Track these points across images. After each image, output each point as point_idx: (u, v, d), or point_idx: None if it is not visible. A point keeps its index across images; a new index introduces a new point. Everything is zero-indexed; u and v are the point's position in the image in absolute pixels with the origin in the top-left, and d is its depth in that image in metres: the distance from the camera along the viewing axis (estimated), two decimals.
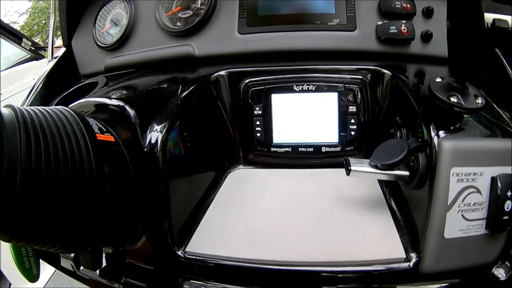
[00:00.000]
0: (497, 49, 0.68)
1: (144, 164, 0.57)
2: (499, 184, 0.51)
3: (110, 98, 0.65)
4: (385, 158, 0.59)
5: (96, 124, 0.51)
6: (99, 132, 0.49)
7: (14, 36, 2.10)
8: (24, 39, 2.15)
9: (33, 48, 2.22)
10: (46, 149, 0.39)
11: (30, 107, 0.43)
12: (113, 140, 0.52)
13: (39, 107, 0.44)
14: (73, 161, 0.42)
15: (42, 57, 2.28)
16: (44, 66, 1.02)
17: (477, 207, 0.52)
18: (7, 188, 0.35)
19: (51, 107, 0.46)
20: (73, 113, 0.47)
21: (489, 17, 0.70)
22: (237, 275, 0.59)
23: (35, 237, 0.41)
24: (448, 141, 0.52)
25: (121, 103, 0.62)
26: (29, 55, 2.26)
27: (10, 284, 1.64)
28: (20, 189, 0.36)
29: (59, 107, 0.47)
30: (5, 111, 0.39)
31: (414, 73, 0.76)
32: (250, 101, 0.81)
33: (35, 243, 0.42)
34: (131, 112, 0.60)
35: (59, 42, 1.24)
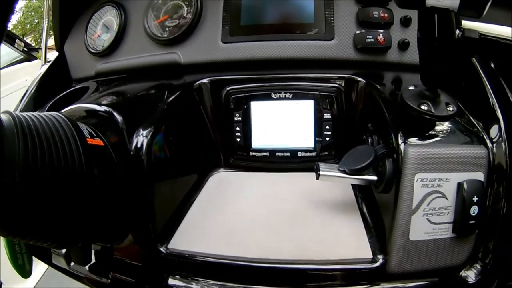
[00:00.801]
0: (473, 58, 0.69)
1: (130, 166, 0.60)
2: (465, 190, 0.53)
3: (99, 104, 0.68)
4: (352, 164, 0.62)
5: (87, 129, 0.54)
6: (89, 137, 0.52)
7: (7, 36, 2.09)
8: (17, 40, 2.15)
9: (26, 49, 2.21)
10: (42, 152, 0.42)
11: (26, 113, 0.46)
12: (102, 144, 0.55)
13: (34, 113, 0.47)
14: (65, 163, 0.45)
15: (35, 58, 2.26)
16: (36, 67, 1.03)
17: (443, 211, 0.54)
18: (7, 187, 0.38)
19: (45, 113, 0.48)
20: (65, 118, 0.49)
21: (487, 28, 0.70)
22: (215, 271, 0.62)
23: (30, 233, 0.44)
24: (413, 148, 0.54)
25: (109, 109, 0.65)
26: (22, 56, 2.26)
27: (1, 284, 1.64)
28: (18, 188, 0.39)
29: (53, 113, 0.50)
30: (3, 117, 0.41)
31: (390, 81, 0.78)
32: (231, 107, 0.84)
33: (30, 238, 0.45)
34: (119, 118, 0.63)
35: (52, 41, 1.25)
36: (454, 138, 0.58)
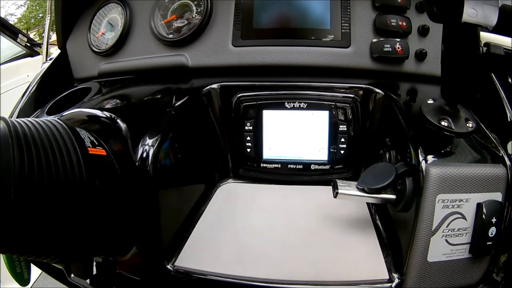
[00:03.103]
0: (492, 74, 0.69)
1: (135, 177, 0.57)
2: (484, 211, 0.52)
3: (102, 109, 0.65)
4: (372, 182, 0.60)
5: (88, 137, 0.50)
6: (91, 146, 0.49)
7: (10, 31, 2.07)
8: (20, 35, 2.13)
9: (28, 44, 2.20)
10: (39, 164, 0.39)
11: (23, 119, 0.43)
12: (105, 154, 0.52)
13: (32, 119, 0.44)
14: (65, 175, 0.42)
15: (37, 53, 2.25)
16: (39, 62, 1.01)
17: (461, 232, 0.53)
18: (1, 203, 0.35)
19: (44, 119, 0.46)
20: (65, 126, 0.46)
21: (502, 40, 0.69)
22: None
23: (28, 250, 0.41)
24: (435, 167, 0.52)
25: (113, 116, 0.62)
26: (24, 51, 2.24)
27: None
28: (13, 203, 0.36)
29: (51, 119, 0.47)
30: None
31: (406, 92, 0.76)
32: (241, 115, 0.81)
33: (29, 255, 0.42)
34: (123, 125, 0.60)
35: (55, 36, 1.23)
36: (471, 154, 0.57)
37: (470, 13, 0.45)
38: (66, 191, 0.42)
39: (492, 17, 0.44)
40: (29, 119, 0.43)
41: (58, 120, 0.47)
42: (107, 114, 0.62)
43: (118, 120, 0.61)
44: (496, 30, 0.47)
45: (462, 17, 0.45)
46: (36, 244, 0.41)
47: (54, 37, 1.25)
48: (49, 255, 0.44)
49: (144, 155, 0.58)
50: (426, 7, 0.48)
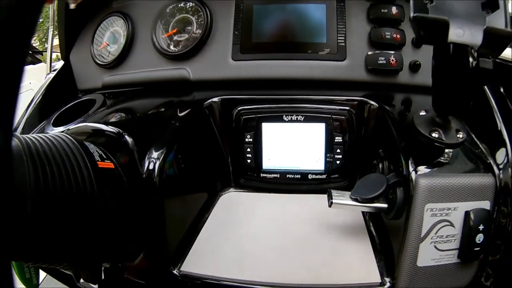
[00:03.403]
0: (485, 87, 0.70)
1: (142, 189, 0.59)
2: (471, 219, 0.54)
3: (108, 123, 0.67)
4: (365, 192, 0.63)
5: (97, 151, 0.53)
6: (99, 160, 0.51)
7: None
8: None
9: (30, 52, 2.20)
10: (52, 177, 0.41)
11: (34, 135, 0.45)
12: (113, 167, 0.55)
13: (42, 135, 0.46)
14: (77, 187, 0.44)
15: (39, 61, 2.26)
16: (40, 70, 1.01)
17: (450, 239, 0.55)
18: (18, 214, 0.37)
19: (53, 135, 0.48)
20: (75, 141, 0.49)
21: None
22: None
23: (42, 258, 0.43)
24: (424, 178, 0.55)
25: (119, 130, 0.64)
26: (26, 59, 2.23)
27: None
28: (30, 215, 0.38)
29: (61, 134, 0.49)
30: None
31: (400, 102, 0.78)
32: (241, 128, 0.83)
33: (43, 262, 0.44)
34: (129, 139, 0.63)
35: (57, 41, 1.24)
36: (461, 164, 0.59)
37: (457, 33, 0.47)
38: (78, 202, 0.44)
39: (478, 37, 0.47)
40: (39, 135, 0.46)
41: (68, 136, 0.49)
42: (114, 129, 0.65)
43: (125, 134, 0.63)
44: (481, 50, 0.49)
45: (449, 38, 0.48)
46: (50, 253, 0.43)
47: (56, 41, 1.26)
48: (62, 263, 0.46)
49: (151, 167, 0.60)
50: (414, 31, 0.50)
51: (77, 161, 0.46)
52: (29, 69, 2.21)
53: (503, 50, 0.48)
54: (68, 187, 0.43)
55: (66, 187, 0.43)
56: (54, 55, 1.27)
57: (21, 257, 0.42)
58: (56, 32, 1.11)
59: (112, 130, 0.65)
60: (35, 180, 0.39)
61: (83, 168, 0.46)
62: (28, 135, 0.44)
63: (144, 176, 0.60)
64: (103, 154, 0.54)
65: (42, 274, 1.72)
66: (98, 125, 0.68)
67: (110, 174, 0.54)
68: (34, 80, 2.06)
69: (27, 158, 0.40)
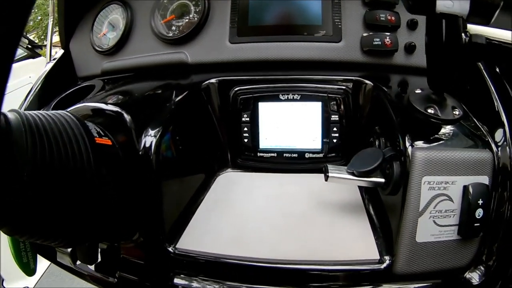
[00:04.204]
0: (479, 64, 0.70)
1: (138, 166, 0.60)
2: (470, 193, 0.54)
3: (107, 103, 0.68)
4: (361, 166, 0.63)
5: (95, 128, 0.53)
6: (97, 136, 0.52)
7: None
8: None
9: (29, 46, 2.21)
10: (50, 151, 0.42)
11: (33, 111, 0.45)
12: (110, 144, 0.55)
13: (41, 112, 0.46)
14: (74, 161, 0.45)
15: (39, 55, 2.25)
16: (40, 64, 1.02)
17: (449, 214, 0.55)
18: (16, 186, 0.38)
19: (53, 112, 0.48)
20: (73, 117, 0.49)
21: (487, 31, 0.70)
22: (223, 271, 0.63)
23: (37, 232, 0.44)
24: (420, 151, 0.55)
25: (118, 109, 0.65)
26: (25, 53, 2.25)
27: (2, 280, 1.64)
28: (27, 187, 0.39)
29: (60, 111, 0.49)
30: (11, 116, 0.41)
31: (397, 83, 0.79)
32: (238, 108, 0.84)
33: (38, 237, 0.44)
34: (127, 117, 0.63)
35: (56, 38, 1.24)
36: (459, 141, 0.59)
37: (446, 4, 0.48)
38: (74, 176, 0.45)
39: (466, 6, 0.48)
40: (38, 111, 0.46)
41: (66, 113, 0.50)
42: (113, 107, 0.65)
43: (124, 113, 0.64)
44: (469, 19, 0.50)
45: (437, 8, 0.49)
46: (45, 226, 0.43)
47: (55, 38, 1.27)
48: (57, 238, 0.46)
49: (147, 145, 0.61)
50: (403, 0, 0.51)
51: (75, 135, 0.47)
52: (28, 63, 2.23)
53: (492, 18, 0.49)
54: (65, 160, 0.44)
55: (63, 159, 0.43)
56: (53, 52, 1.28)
57: (16, 228, 0.42)
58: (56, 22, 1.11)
59: (111, 108, 0.66)
60: (33, 151, 0.40)
61: (81, 143, 0.47)
62: (27, 111, 0.44)
63: (140, 153, 0.61)
64: (101, 132, 0.55)
65: (40, 272, 1.75)
66: (97, 104, 0.68)
67: (107, 151, 0.54)
68: (34, 74, 2.07)
69: (26, 131, 0.40)
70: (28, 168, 0.39)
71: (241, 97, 0.84)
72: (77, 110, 0.68)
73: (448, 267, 0.58)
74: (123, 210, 0.56)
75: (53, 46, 1.22)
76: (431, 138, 0.58)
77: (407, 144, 0.57)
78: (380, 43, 0.80)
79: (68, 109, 0.68)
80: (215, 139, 0.88)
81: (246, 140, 0.85)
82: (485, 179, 0.55)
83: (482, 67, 0.70)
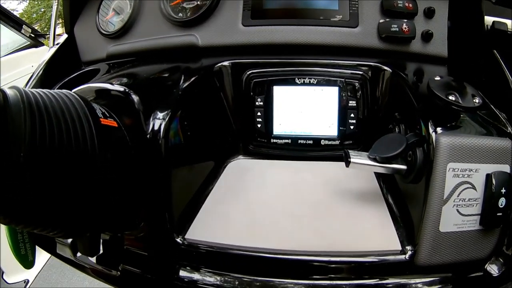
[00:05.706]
0: (495, 51, 0.69)
1: (146, 150, 0.57)
2: (493, 181, 0.52)
3: (113, 84, 0.65)
4: (383, 151, 0.60)
5: (100, 109, 0.50)
6: (102, 117, 0.49)
7: (14, 22, 2.07)
8: (24, 26, 2.12)
9: (32, 35, 2.19)
10: (50, 131, 0.39)
11: (35, 89, 0.42)
12: (116, 126, 0.52)
13: (43, 90, 0.43)
14: (76, 143, 0.41)
15: (42, 44, 2.25)
16: (43, 53, 1.00)
17: (472, 203, 0.53)
18: (11, 168, 0.35)
19: (56, 91, 0.45)
20: (77, 97, 0.46)
21: (488, 20, 0.70)
22: (234, 263, 0.59)
23: (35, 220, 0.41)
24: (445, 137, 0.53)
25: (125, 89, 0.61)
26: (28, 42, 2.24)
27: (3, 273, 1.63)
28: (23, 170, 0.36)
29: (63, 90, 0.46)
30: (10, 92, 0.38)
31: (413, 71, 0.77)
32: (251, 92, 0.82)
33: (35, 226, 0.41)
34: (135, 98, 0.60)
35: (59, 30, 1.23)
36: (479, 129, 0.57)
37: None
38: (76, 158, 0.42)
39: None
40: (41, 89, 0.43)
41: (70, 92, 0.47)
42: (120, 87, 0.62)
43: (131, 93, 0.61)
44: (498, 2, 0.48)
45: None
46: (43, 214, 0.40)
47: (58, 30, 1.25)
48: (55, 228, 0.43)
49: (156, 128, 0.58)
50: None
51: (78, 115, 0.43)
52: (31, 52, 2.22)
53: None
54: (67, 141, 0.40)
55: (64, 140, 0.40)
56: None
57: (12, 216, 0.39)
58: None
59: (118, 89, 0.62)
60: (31, 130, 0.37)
61: (85, 123, 0.43)
62: (28, 89, 0.41)
63: (148, 136, 0.58)
64: (106, 113, 0.52)
65: (40, 265, 1.73)
66: (102, 85, 0.65)
67: (113, 133, 0.51)
68: (36, 63, 2.05)
69: (24, 108, 0.37)
70: (25, 149, 0.36)
71: (255, 80, 0.81)
72: (82, 91, 0.65)
73: (469, 258, 0.56)
74: (129, 198, 0.53)
75: (57, 36, 1.19)
76: (452, 125, 0.57)
77: (431, 130, 0.55)
78: (397, 29, 0.78)
79: (72, 90, 0.66)
80: (225, 124, 0.85)
81: (259, 126, 0.82)
82: (506, 168, 0.53)
83: (499, 56, 0.68)
